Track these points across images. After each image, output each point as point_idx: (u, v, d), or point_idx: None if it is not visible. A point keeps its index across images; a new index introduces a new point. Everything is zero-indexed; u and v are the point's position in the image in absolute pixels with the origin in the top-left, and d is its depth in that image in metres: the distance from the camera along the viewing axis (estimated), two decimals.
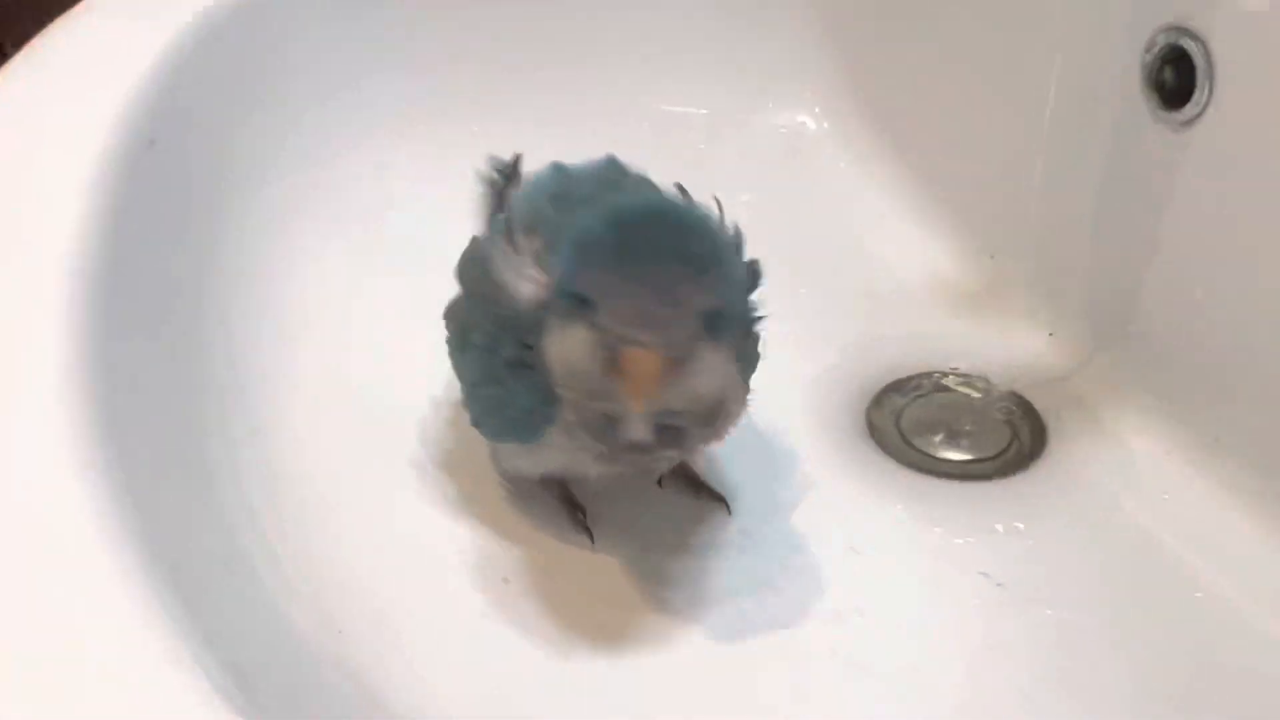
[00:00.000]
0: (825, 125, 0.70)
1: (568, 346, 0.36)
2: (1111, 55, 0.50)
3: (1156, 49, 0.48)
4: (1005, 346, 0.57)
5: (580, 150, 0.70)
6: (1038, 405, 0.54)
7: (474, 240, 0.45)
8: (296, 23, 0.60)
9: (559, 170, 0.46)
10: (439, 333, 0.45)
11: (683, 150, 0.70)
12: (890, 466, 0.51)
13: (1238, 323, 0.47)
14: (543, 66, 0.69)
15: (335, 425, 0.45)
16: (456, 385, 0.45)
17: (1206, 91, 0.46)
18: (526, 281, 0.39)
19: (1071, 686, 0.40)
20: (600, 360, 0.35)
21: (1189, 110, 0.47)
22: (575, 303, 0.35)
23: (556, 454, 0.41)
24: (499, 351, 0.39)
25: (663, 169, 0.70)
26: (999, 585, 0.45)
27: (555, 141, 0.68)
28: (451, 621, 0.38)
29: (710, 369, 0.36)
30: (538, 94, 0.69)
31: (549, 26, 0.69)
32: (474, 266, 0.43)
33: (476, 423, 0.42)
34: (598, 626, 0.40)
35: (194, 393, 0.40)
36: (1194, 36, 0.46)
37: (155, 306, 0.40)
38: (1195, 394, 0.50)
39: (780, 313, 0.44)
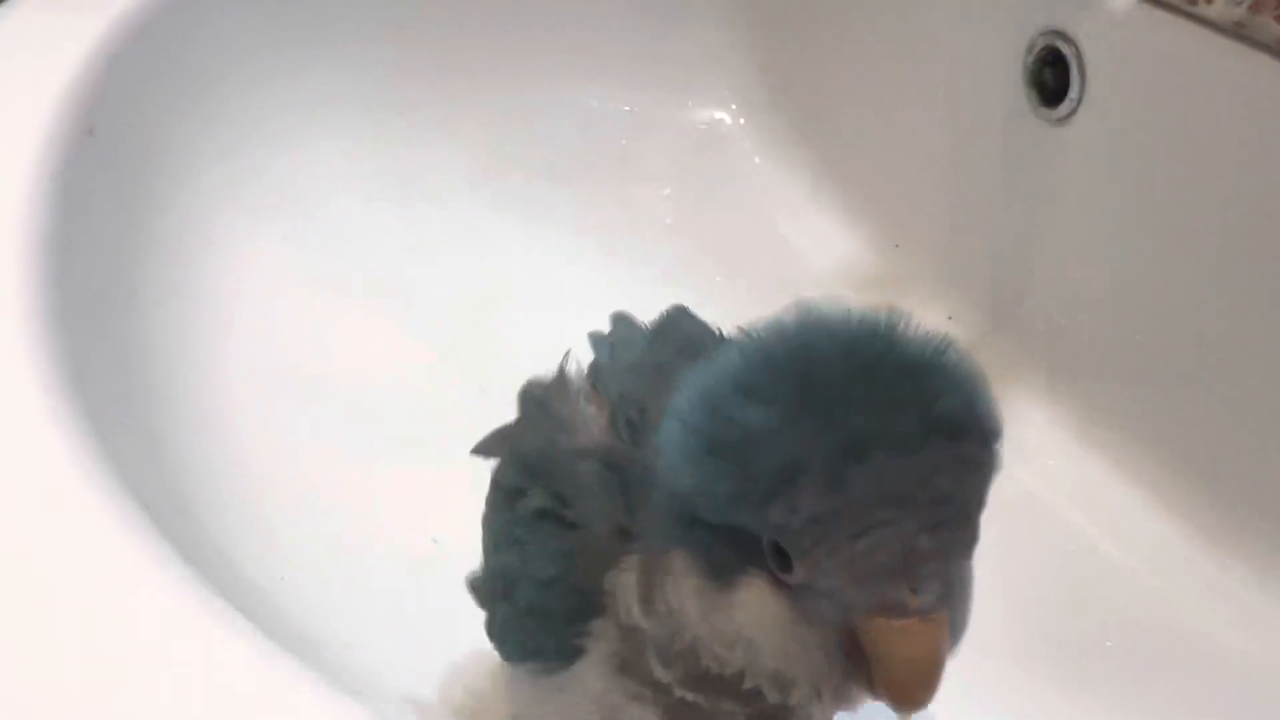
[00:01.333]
0: (741, 121, 0.73)
1: (745, 611, 0.23)
2: (996, 57, 0.54)
3: (1036, 51, 0.52)
4: None
5: (503, 145, 0.74)
6: None
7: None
8: (229, 15, 0.62)
9: (622, 326, 0.34)
10: (366, 313, 0.48)
11: (605, 146, 0.73)
12: None
13: (1112, 305, 0.52)
14: (468, 62, 0.72)
15: (271, 396, 0.48)
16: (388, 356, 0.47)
17: (1079, 90, 0.50)
18: (593, 432, 0.29)
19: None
20: (815, 642, 0.23)
21: (1064, 108, 0.51)
22: (737, 537, 0.23)
23: (583, 701, 0.28)
24: (528, 496, 0.29)
25: (587, 164, 0.73)
26: None
27: (480, 136, 0.71)
28: (383, 576, 0.41)
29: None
30: (463, 89, 0.72)
31: (475, 24, 0.72)
32: (535, 401, 0.32)
33: (489, 626, 0.32)
34: None
35: (136, 368, 0.42)
36: (1069, 40, 0.50)
37: (95, 289, 0.42)
38: (1079, 371, 0.54)
39: (701, 302, 0.48)
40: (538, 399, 0.32)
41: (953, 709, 0.40)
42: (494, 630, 0.31)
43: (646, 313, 0.35)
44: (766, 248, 0.70)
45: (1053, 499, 0.51)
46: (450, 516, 0.45)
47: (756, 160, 0.72)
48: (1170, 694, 0.41)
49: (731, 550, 0.23)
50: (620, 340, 0.33)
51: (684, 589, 0.24)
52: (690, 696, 0.26)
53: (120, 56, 0.52)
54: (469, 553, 0.44)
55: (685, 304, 0.33)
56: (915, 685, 0.22)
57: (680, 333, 0.31)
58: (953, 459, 0.21)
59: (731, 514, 0.22)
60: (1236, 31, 0.42)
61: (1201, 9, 0.43)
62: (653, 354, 0.30)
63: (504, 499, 0.30)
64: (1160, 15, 0.45)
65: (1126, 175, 0.49)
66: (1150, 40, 0.46)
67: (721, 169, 0.73)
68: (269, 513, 0.41)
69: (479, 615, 0.38)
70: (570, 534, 0.27)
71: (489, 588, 0.31)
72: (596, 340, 0.33)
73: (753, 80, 0.73)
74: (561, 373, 0.32)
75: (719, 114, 0.74)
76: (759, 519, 0.22)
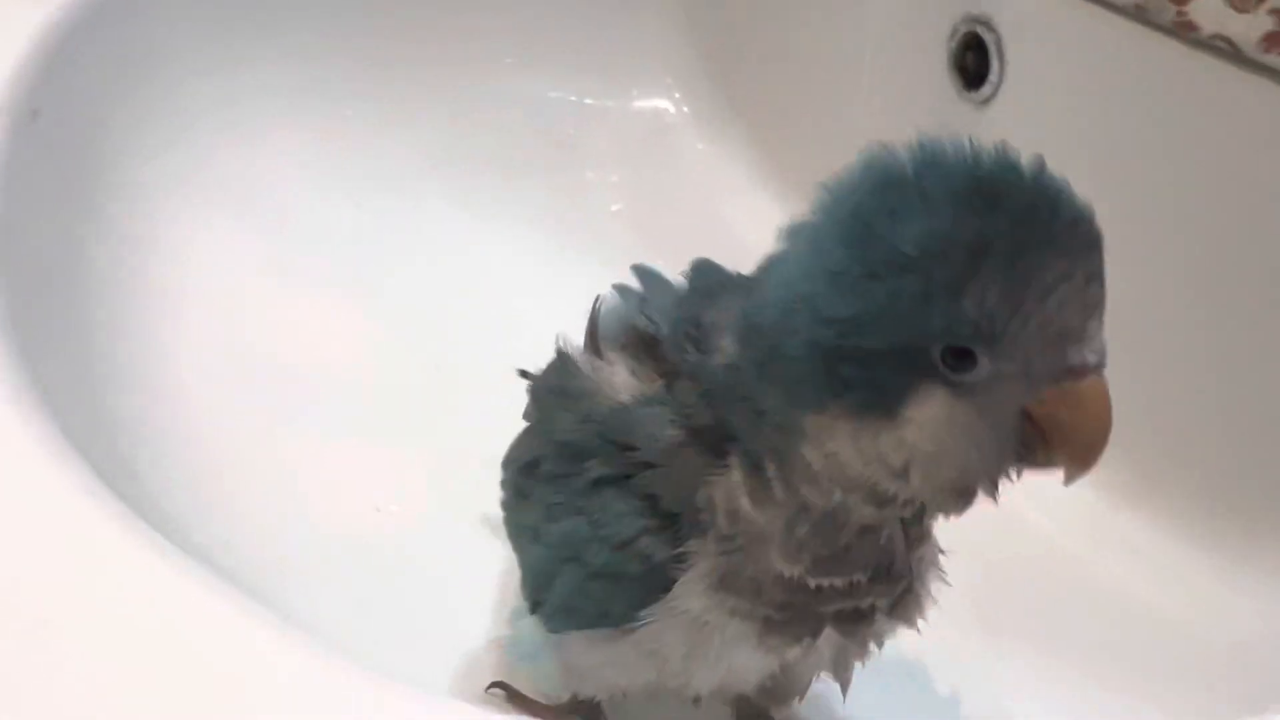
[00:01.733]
0: (685, 109, 0.75)
1: (924, 427, 0.25)
2: (922, 44, 0.56)
3: (959, 36, 0.54)
4: None
5: (453, 135, 0.75)
6: None
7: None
8: (175, 4, 0.63)
9: (649, 276, 0.35)
10: (317, 298, 0.49)
11: (554, 134, 0.75)
12: None
13: None
14: (418, 53, 0.73)
15: (221, 373, 0.49)
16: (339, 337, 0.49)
17: (999, 73, 0.52)
18: (621, 386, 0.30)
19: None
20: (994, 436, 0.25)
21: (985, 90, 0.53)
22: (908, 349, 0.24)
23: (674, 635, 0.29)
24: (580, 471, 0.29)
25: (536, 153, 0.75)
26: None
27: (430, 126, 0.73)
28: (325, 543, 0.43)
29: None
30: (413, 80, 0.73)
31: (423, 15, 0.73)
32: (548, 390, 0.33)
33: (540, 597, 0.32)
34: (461, 543, 0.44)
35: (85, 345, 0.44)
36: (989, 26, 0.52)
37: (44, 268, 0.43)
38: None
39: None
40: (551, 388, 0.33)
41: (879, 665, 0.42)
42: (549, 607, 0.31)
43: (594, 296, 0.36)
44: (710, 230, 0.72)
45: None
46: (393, 488, 0.47)
47: (700, 147, 0.74)
48: (1086, 645, 0.43)
49: (895, 375, 0.25)
50: (651, 285, 0.34)
51: (838, 440, 0.26)
52: (813, 583, 0.27)
53: (67, 39, 0.53)
54: (410, 520, 0.46)
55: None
56: (1100, 439, 0.25)
57: (712, 275, 0.33)
58: (1084, 223, 0.26)
59: (908, 327, 0.24)
60: (1137, 14, 0.44)
61: None
62: (692, 290, 0.32)
63: (546, 483, 0.31)
64: (1074, 2, 0.48)
65: (1046, 152, 0.51)
66: (1062, 25, 0.48)
67: (666, 156, 0.75)
68: (216, 482, 0.42)
69: (417, 578, 0.40)
70: (640, 482, 0.28)
71: (540, 569, 0.32)
72: (624, 290, 0.34)
73: (696, 70, 0.75)
74: (561, 354, 0.33)
75: (663, 103, 0.76)
76: (949, 316, 0.24)
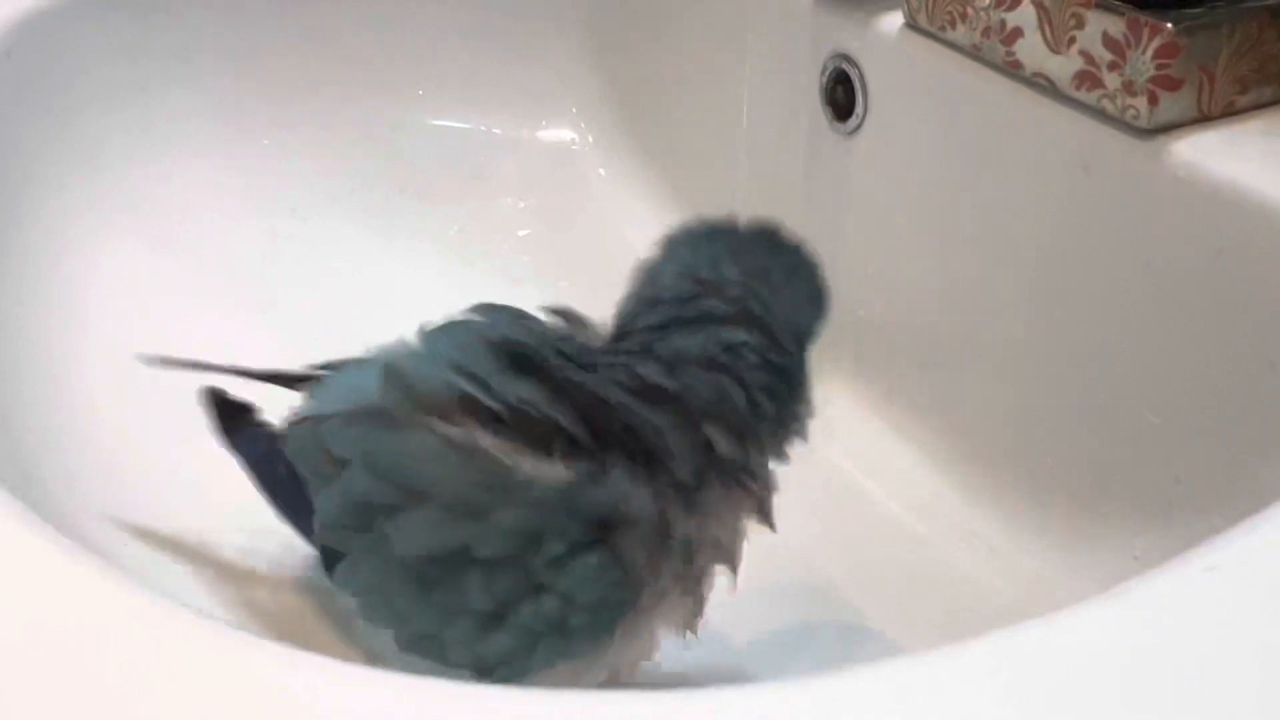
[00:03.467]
0: (590, 139, 0.79)
1: None
2: (797, 79, 0.61)
3: (829, 71, 0.59)
4: None
5: (365, 162, 0.78)
6: None
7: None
8: (85, 32, 0.66)
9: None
10: (226, 319, 0.52)
11: (463, 163, 0.79)
12: None
13: (900, 297, 0.58)
14: (330, 83, 0.77)
15: (125, 394, 0.51)
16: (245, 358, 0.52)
17: (863, 105, 0.57)
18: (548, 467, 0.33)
19: (765, 591, 0.50)
20: None
21: (852, 122, 0.58)
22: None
23: (628, 645, 0.35)
24: (539, 551, 0.32)
25: (446, 180, 0.79)
26: None
27: (342, 154, 0.76)
28: (222, 548, 0.45)
29: None
30: (325, 109, 0.77)
31: (335, 47, 0.77)
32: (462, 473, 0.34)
33: (503, 662, 0.34)
34: None
35: None
36: (852, 62, 0.57)
37: None
38: (875, 356, 0.60)
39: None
40: (458, 480, 0.34)
41: (739, 640, 0.46)
42: (527, 673, 0.34)
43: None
44: (614, 256, 0.75)
45: (851, 469, 0.57)
46: None
47: (602, 173, 0.78)
48: (931, 625, 0.48)
49: None
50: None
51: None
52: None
53: None
54: None
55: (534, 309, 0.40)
56: None
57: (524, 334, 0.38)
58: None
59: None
60: (974, 53, 0.49)
61: (949, 34, 0.50)
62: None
63: (482, 573, 0.33)
64: (920, 40, 0.52)
65: (906, 179, 0.56)
66: (914, 61, 0.53)
67: (572, 182, 0.79)
68: (117, 488, 0.45)
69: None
70: (613, 544, 0.33)
71: (504, 651, 0.33)
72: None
73: (599, 102, 0.79)
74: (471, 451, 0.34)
75: (569, 133, 0.80)
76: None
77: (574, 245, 0.77)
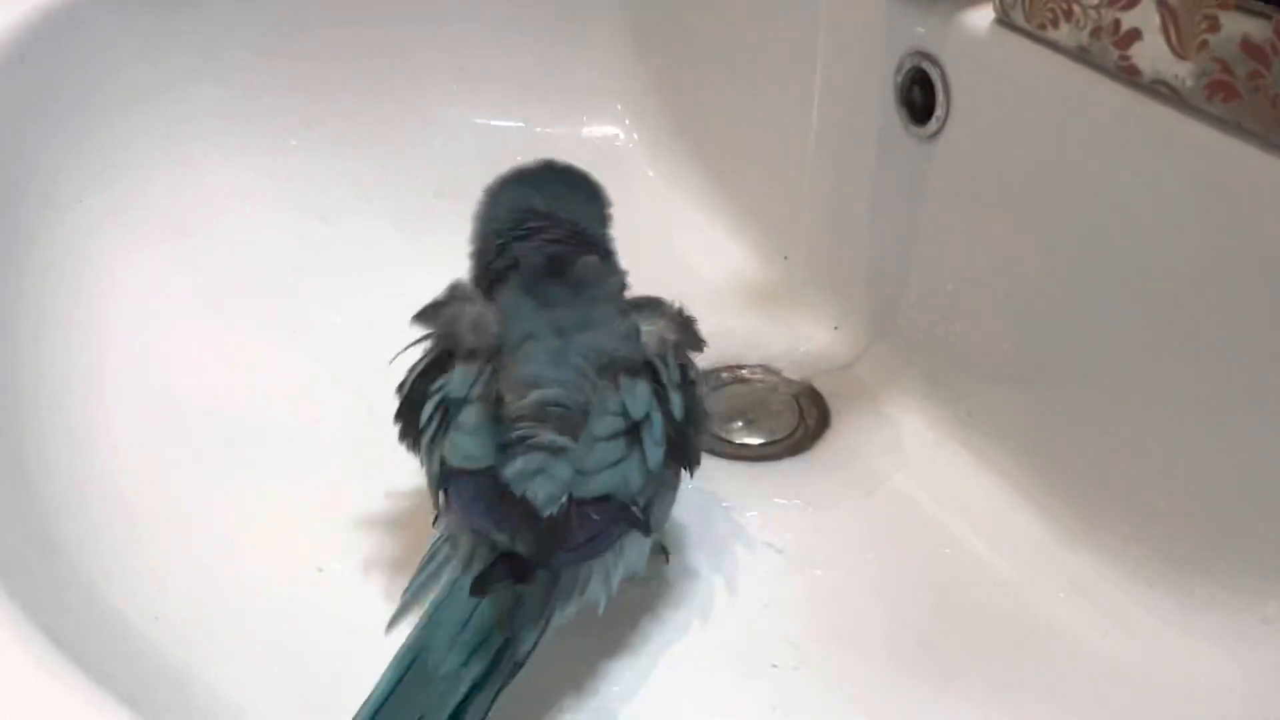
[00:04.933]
0: (635, 137, 0.75)
1: None
2: (869, 77, 0.56)
3: (905, 71, 0.54)
4: (797, 339, 0.63)
5: (397, 162, 0.74)
6: (824, 391, 0.60)
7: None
8: (100, 27, 0.61)
9: None
10: (253, 337, 0.48)
11: (501, 161, 0.74)
12: None
13: (980, 313, 0.54)
14: (361, 78, 0.72)
15: (151, 425, 0.48)
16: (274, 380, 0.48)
17: (944, 108, 0.52)
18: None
19: (836, 632, 0.46)
20: None
21: (932, 125, 0.53)
22: None
23: None
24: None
25: (483, 179, 0.74)
26: (780, 552, 0.50)
27: (374, 153, 0.72)
28: (264, 610, 0.41)
29: None
30: (356, 105, 0.72)
31: (368, 40, 0.72)
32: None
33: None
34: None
35: (7, 403, 0.42)
36: (933, 61, 0.52)
37: None
38: (952, 376, 0.56)
39: None
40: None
41: (821, 705, 0.42)
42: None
43: None
44: (662, 258, 0.71)
45: (929, 502, 0.53)
46: (337, 545, 0.46)
47: (650, 174, 0.73)
48: (1030, 689, 0.43)
49: None
50: None
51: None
52: None
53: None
54: (355, 581, 0.44)
55: None
56: None
57: None
58: None
59: None
60: (1081, 55, 0.44)
61: (1050, 33, 0.45)
62: None
63: None
64: (1014, 39, 0.48)
65: (991, 187, 0.51)
66: (1006, 62, 0.48)
67: (616, 184, 0.74)
68: (146, 545, 0.41)
69: (365, 647, 0.39)
70: None
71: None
72: None
73: (645, 98, 0.75)
74: None
75: (614, 130, 0.75)
76: None
77: (621, 251, 0.72)
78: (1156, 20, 0.40)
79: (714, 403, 0.60)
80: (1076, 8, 0.43)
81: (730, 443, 0.57)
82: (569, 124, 0.75)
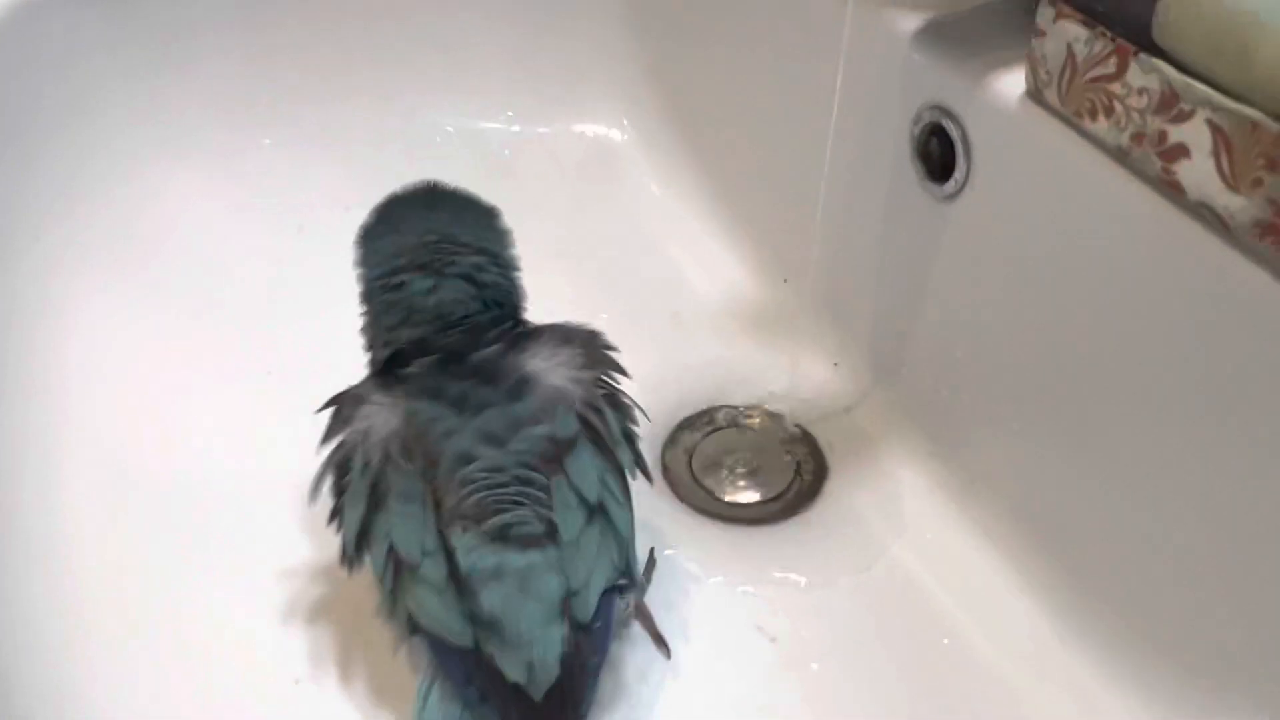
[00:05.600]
0: (634, 141, 0.71)
1: None
2: (884, 120, 0.53)
3: (923, 123, 0.50)
4: (794, 375, 0.60)
5: (381, 163, 0.69)
6: (821, 440, 0.58)
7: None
8: (54, 22, 0.57)
9: None
10: (227, 376, 0.45)
11: (489, 160, 0.71)
12: (680, 512, 0.54)
13: (986, 379, 0.51)
14: (343, 74, 0.68)
15: (115, 510, 0.45)
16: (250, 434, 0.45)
17: (965, 170, 0.49)
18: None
19: None
20: None
21: (950, 187, 0.50)
22: None
23: None
24: None
25: (473, 179, 0.70)
26: (773, 640, 0.48)
27: (353, 153, 0.67)
28: None
29: None
30: (337, 103, 0.68)
31: (350, 33, 0.68)
32: None
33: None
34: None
35: None
36: (953, 119, 0.49)
37: None
38: (958, 436, 0.54)
39: (588, 321, 0.47)
40: None
41: None
42: None
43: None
44: (652, 268, 0.68)
45: (928, 580, 0.51)
46: (313, 649, 0.44)
47: (647, 179, 0.70)
48: None
49: None
50: None
51: None
52: None
53: None
54: (333, 693, 0.43)
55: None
56: None
57: None
58: None
59: None
60: (1119, 155, 0.41)
61: (1086, 124, 0.42)
62: None
63: None
64: (1045, 117, 0.44)
65: (1007, 261, 0.48)
66: (1035, 139, 0.45)
67: (610, 186, 0.71)
68: (111, 664, 0.39)
69: None
70: None
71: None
72: None
73: (645, 100, 0.71)
74: None
75: (611, 131, 0.71)
76: None
77: (613, 262, 0.69)
78: (1208, 143, 0.37)
79: (707, 448, 0.58)
80: (1119, 106, 0.40)
81: (723, 501, 0.55)
82: (562, 122, 0.72)
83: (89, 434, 0.48)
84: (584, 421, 0.43)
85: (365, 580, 0.47)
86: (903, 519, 0.54)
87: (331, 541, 0.48)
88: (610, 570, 0.42)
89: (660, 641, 0.46)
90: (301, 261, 0.63)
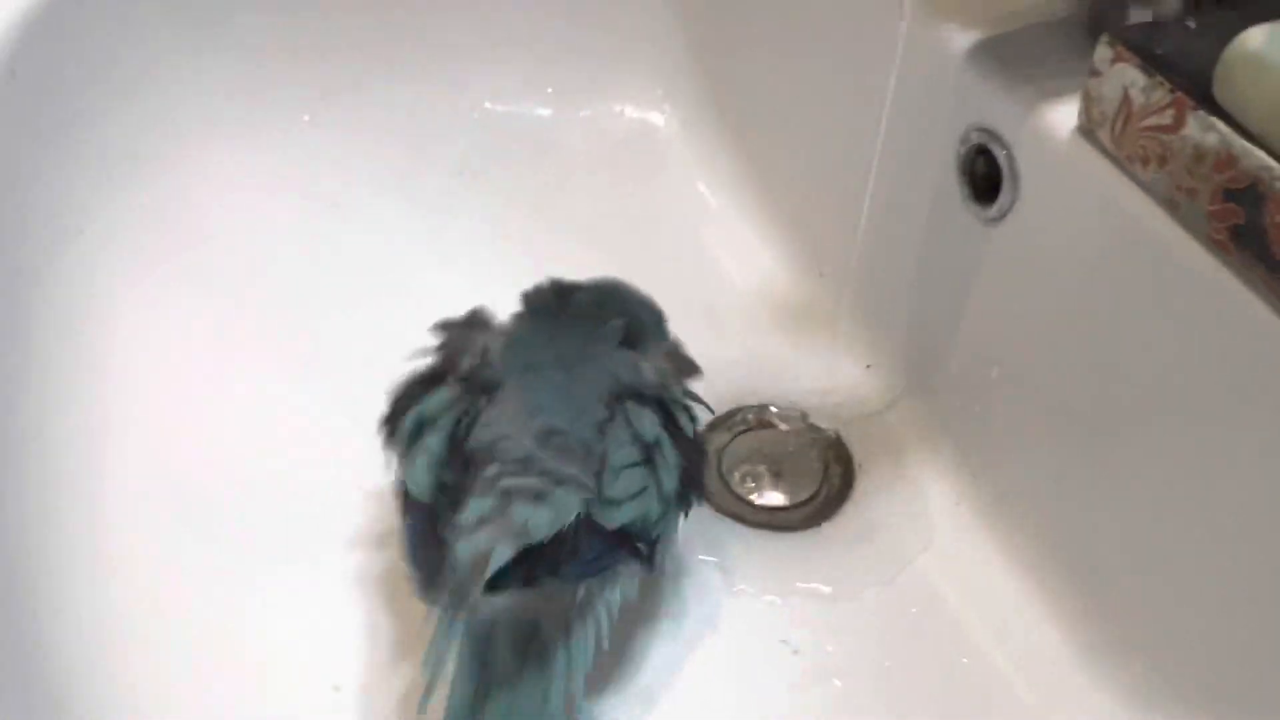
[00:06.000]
0: (675, 124, 0.70)
1: None
2: (933, 132, 0.52)
3: (970, 143, 0.50)
4: (827, 375, 0.61)
5: (416, 139, 0.69)
6: (850, 443, 0.58)
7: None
8: (94, 20, 0.56)
9: None
10: (262, 383, 0.46)
11: (529, 140, 0.70)
12: (706, 517, 0.55)
13: (1018, 399, 0.51)
14: (379, 49, 0.67)
15: (157, 519, 0.45)
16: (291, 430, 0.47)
17: (1011, 196, 0.48)
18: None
19: None
20: None
21: (994, 210, 0.49)
22: None
23: None
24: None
25: (511, 158, 0.70)
26: (796, 653, 0.49)
27: (392, 128, 0.67)
28: None
29: None
30: (373, 79, 0.68)
31: (388, 6, 0.67)
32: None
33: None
34: None
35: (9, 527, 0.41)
36: (1002, 143, 0.48)
37: None
38: (988, 453, 0.54)
39: None
40: None
41: None
42: None
43: None
44: (688, 255, 0.68)
45: (952, 596, 0.52)
46: (356, 659, 0.45)
47: (690, 170, 0.70)
48: None
49: None
50: None
51: None
52: None
53: None
54: (372, 699, 0.44)
55: None
56: None
57: None
58: None
59: None
60: (1169, 205, 0.41)
61: (1137, 170, 0.42)
62: None
63: None
64: (1096, 156, 0.44)
65: (1047, 290, 0.48)
66: (1084, 176, 0.44)
67: (652, 172, 0.70)
68: (152, 665, 0.40)
69: None
70: None
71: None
72: None
73: (689, 84, 0.70)
74: None
75: (652, 114, 0.71)
76: None
77: (652, 250, 0.69)
78: (1262, 210, 0.37)
79: (736, 449, 0.58)
80: (1174, 158, 0.40)
81: (750, 504, 0.56)
82: (603, 102, 0.71)
83: (131, 433, 0.49)
84: (657, 393, 0.46)
85: (407, 585, 0.48)
86: (929, 528, 0.54)
87: (377, 544, 0.49)
88: (641, 516, 0.43)
89: None
90: (337, 242, 0.63)
